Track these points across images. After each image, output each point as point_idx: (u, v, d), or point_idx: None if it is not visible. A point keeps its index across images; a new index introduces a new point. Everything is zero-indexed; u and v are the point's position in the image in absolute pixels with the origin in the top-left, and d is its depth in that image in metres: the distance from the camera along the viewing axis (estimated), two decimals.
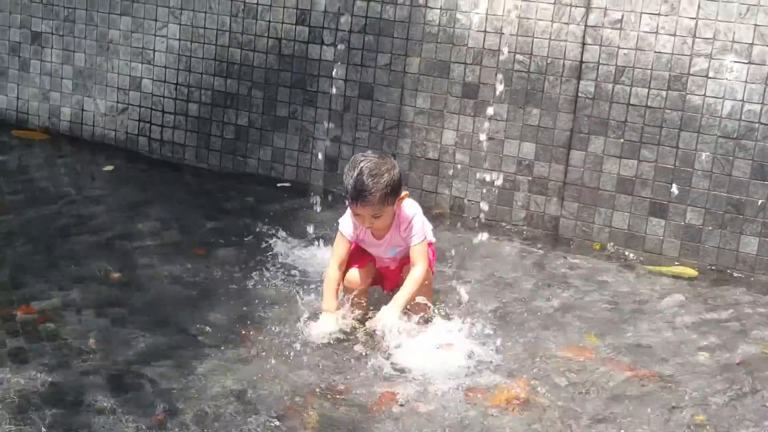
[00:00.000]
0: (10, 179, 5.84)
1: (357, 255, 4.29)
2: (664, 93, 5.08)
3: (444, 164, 5.57)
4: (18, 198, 5.58)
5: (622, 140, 5.19)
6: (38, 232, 5.09)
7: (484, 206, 5.43)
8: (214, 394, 3.67)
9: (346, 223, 4.22)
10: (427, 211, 5.48)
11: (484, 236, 5.26)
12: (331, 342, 4.04)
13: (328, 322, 4.12)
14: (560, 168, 5.33)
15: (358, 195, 3.98)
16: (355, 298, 4.24)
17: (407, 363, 3.95)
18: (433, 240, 4.44)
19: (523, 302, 4.61)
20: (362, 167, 3.98)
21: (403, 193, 4.14)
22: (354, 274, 4.24)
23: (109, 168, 6.11)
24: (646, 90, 5.11)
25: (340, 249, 4.24)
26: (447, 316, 4.30)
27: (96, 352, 3.93)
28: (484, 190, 5.42)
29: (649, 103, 5.11)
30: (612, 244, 5.25)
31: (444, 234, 5.31)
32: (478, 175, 5.45)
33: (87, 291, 4.47)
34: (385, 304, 4.16)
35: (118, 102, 6.43)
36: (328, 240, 4.83)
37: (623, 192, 5.21)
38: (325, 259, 4.76)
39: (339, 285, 4.21)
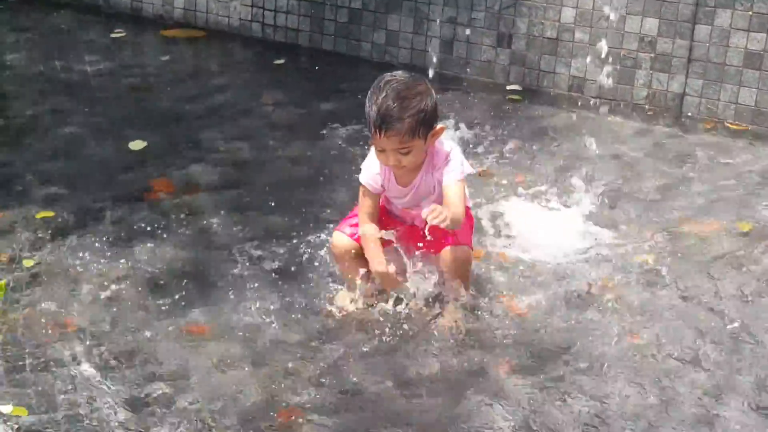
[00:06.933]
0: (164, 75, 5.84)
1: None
2: None
3: (563, 43, 5.43)
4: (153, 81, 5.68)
5: (750, 12, 4.97)
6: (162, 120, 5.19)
7: (604, 85, 5.28)
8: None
9: (369, 169, 3.44)
10: (544, 92, 5.39)
11: (603, 116, 5.15)
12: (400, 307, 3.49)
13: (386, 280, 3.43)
14: (684, 43, 5.14)
15: (382, 121, 3.21)
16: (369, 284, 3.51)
17: (523, 241, 3.96)
18: (468, 202, 3.58)
19: (643, 179, 4.51)
20: (389, 89, 3.24)
21: (439, 126, 3.34)
22: (341, 237, 3.50)
23: (279, 62, 6.04)
24: None
25: (366, 203, 3.44)
26: (565, 196, 4.26)
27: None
28: (604, 69, 5.26)
29: None
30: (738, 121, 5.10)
31: (561, 114, 5.24)
32: (598, 53, 5.30)
33: (207, 171, 4.55)
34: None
35: None
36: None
37: (751, 67, 5.02)
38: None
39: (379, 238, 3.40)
